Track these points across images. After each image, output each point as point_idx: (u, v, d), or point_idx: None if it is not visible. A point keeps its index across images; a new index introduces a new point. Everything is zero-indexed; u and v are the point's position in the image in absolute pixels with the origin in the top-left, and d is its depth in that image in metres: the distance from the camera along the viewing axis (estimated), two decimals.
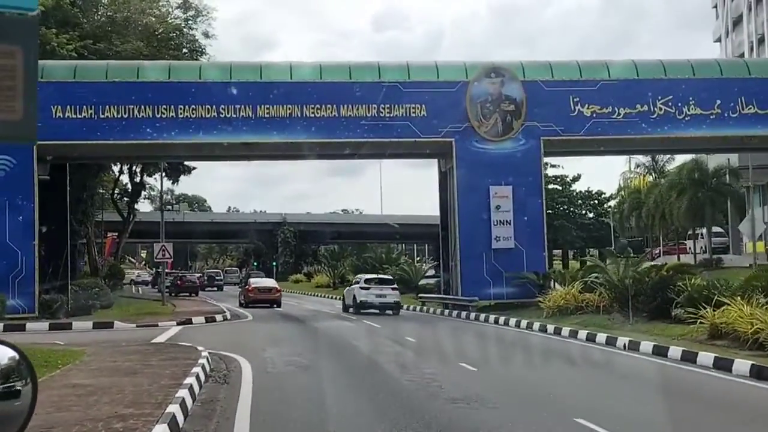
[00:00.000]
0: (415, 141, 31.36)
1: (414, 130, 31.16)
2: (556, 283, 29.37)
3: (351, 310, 32.76)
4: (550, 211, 60.31)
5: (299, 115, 30.92)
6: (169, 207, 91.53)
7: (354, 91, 31.26)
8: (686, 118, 31.58)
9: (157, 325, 24.90)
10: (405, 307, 36.30)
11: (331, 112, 31.02)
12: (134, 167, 55.91)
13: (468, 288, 30.90)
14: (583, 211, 75.67)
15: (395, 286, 34.37)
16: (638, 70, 32.48)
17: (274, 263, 78.16)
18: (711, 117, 31.54)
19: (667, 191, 53.38)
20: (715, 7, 68.19)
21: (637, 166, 71.43)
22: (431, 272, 47.81)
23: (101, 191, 63.95)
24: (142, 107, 30.18)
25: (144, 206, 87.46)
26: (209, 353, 14.78)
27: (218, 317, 27.77)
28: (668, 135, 31.66)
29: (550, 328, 22.17)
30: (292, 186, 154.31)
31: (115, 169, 58.17)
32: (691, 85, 31.82)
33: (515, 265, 30.86)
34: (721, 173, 51.58)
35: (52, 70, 28.93)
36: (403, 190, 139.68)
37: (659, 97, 31.60)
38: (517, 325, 24.39)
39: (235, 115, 30.73)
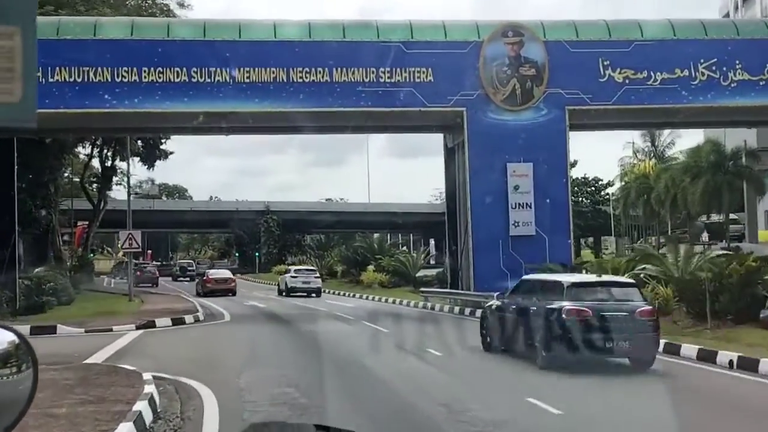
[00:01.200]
0: (420, 111, 26.50)
1: (419, 97, 26.32)
2: None
3: (284, 293, 39.26)
4: None
5: (285, 80, 26.00)
6: (146, 194, 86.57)
7: (349, 52, 26.36)
8: (732, 85, 26.93)
9: (111, 330, 19.99)
10: (405, 303, 31.55)
11: (323, 77, 26.10)
12: (105, 150, 51.19)
13: (482, 282, 26.13)
14: (580, 199, 70.94)
15: (318, 275, 41.88)
16: (675, 30, 27.77)
17: (257, 253, 73.30)
18: (761, 83, 26.92)
19: (681, 175, 49.04)
20: None
21: (636, 151, 67.25)
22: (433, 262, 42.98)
23: (69, 176, 59.05)
24: (99, 70, 25.15)
25: (121, 194, 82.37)
26: (161, 380, 9.99)
27: (188, 318, 22.82)
28: (712, 104, 26.95)
29: None
30: (275, 177, 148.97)
31: (84, 152, 53.48)
32: (738, 47, 27.17)
33: (536, 254, 26.11)
34: (739, 155, 47.24)
35: None
36: (390, 179, 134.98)
37: (701, 61, 26.93)
38: None
39: (209, 80, 25.75)
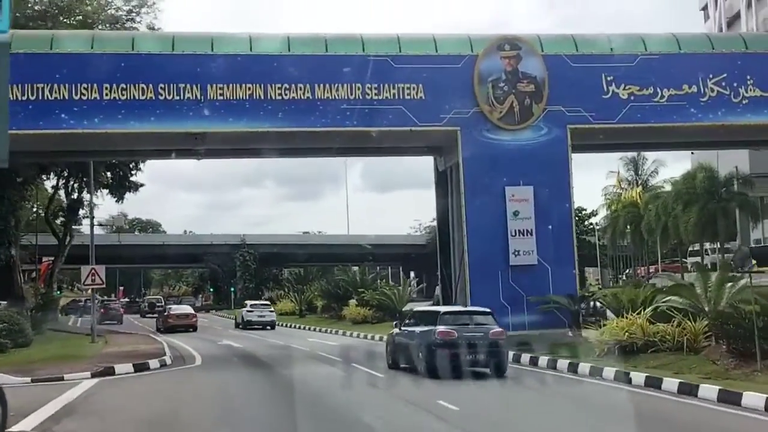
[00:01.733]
0: (410, 130, 24.09)
1: (409, 116, 23.93)
2: (606, 310, 22.03)
3: (240, 327, 43.27)
4: None
5: (262, 97, 23.51)
6: (116, 227, 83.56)
7: (332, 67, 23.96)
8: (744, 102, 24.85)
9: (62, 378, 17.19)
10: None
11: (304, 94, 23.65)
12: (71, 181, 48.37)
13: None
14: None
15: (272, 309, 46.29)
16: (680, 44, 25.72)
17: (233, 288, 70.31)
18: None
19: (672, 202, 47.11)
20: (705, 8, 62.36)
21: (620, 180, 65.42)
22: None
23: (35, 209, 56.21)
24: (55, 87, 22.54)
25: (88, 228, 79.19)
26: None
27: (153, 363, 19.95)
28: (723, 122, 24.77)
29: (636, 376, 15.03)
30: (251, 211, 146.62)
31: (50, 183, 50.63)
32: (748, 61, 25.14)
33: (539, 285, 23.77)
34: (732, 181, 45.44)
35: None
36: (368, 213, 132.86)
37: (710, 76, 24.84)
38: (572, 369, 17.12)
39: (178, 97, 23.20)
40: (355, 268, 66.14)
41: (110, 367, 18.65)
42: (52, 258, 53.46)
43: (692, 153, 57.38)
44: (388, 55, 24.13)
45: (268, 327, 41.92)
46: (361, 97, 23.81)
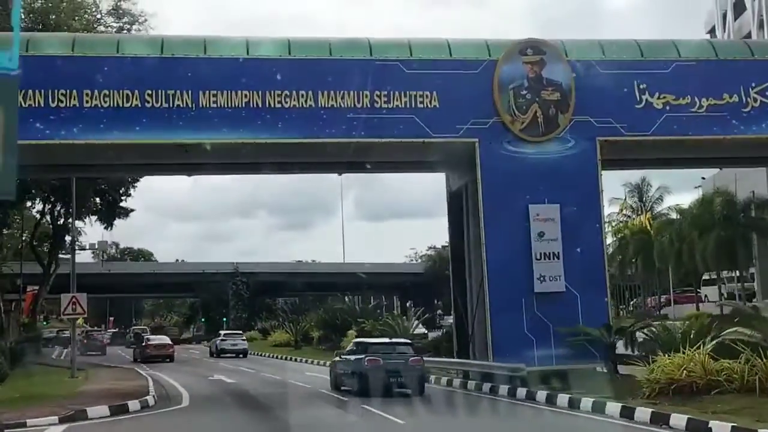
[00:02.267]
0: (423, 142, 21.59)
1: (422, 126, 21.45)
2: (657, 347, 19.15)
3: (215, 354, 45.65)
4: None
5: (259, 105, 21.01)
6: (107, 255, 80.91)
7: (338, 72, 21.50)
8: None
9: (24, 425, 14.43)
10: None
11: (306, 101, 21.16)
12: (57, 207, 45.78)
13: (502, 349, 20.96)
14: None
15: (244, 338, 48.72)
16: (717, 51, 23.43)
17: (225, 319, 67.40)
18: None
19: (688, 228, 44.63)
20: (712, 31, 60.21)
21: (623, 207, 63.08)
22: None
23: (23, 236, 53.68)
24: (30, 93, 19.92)
25: (83, 257, 76.61)
26: None
27: (133, 404, 17.11)
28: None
29: (715, 426, 12.33)
30: (243, 242, 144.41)
31: (36, 209, 48.02)
32: None
33: (567, 315, 21.14)
34: (750, 206, 43.00)
35: None
36: (361, 242, 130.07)
37: (752, 85, 22.46)
38: (628, 415, 14.37)
39: (167, 105, 20.69)
40: (352, 297, 63.53)
41: (82, 410, 15.83)
42: (37, 287, 50.71)
43: (703, 179, 55.32)
44: (398, 60, 21.71)
45: (241, 355, 44.69)
46: (369, 106, 21.34)
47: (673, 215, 52.79)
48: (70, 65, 20.52)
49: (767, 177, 43.74)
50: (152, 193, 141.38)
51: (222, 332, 50.82)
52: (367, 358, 19.85)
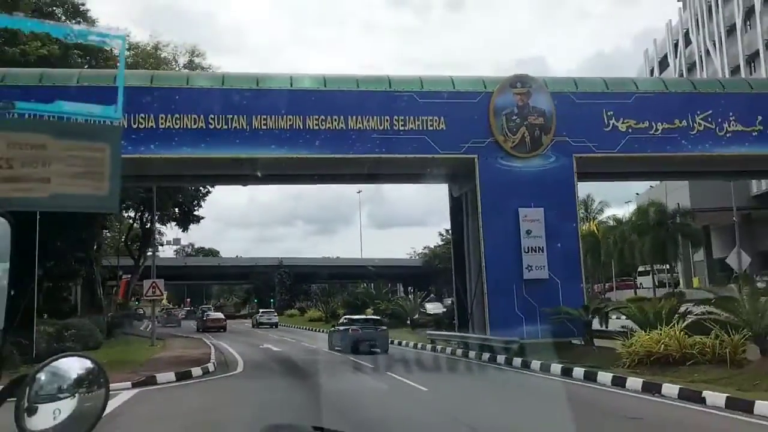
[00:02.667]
0: (433, 157, 19.54)
1: (431, 144, 19.40)
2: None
3: (255, 325, 45.13)
4: None
5: (301, 127, 19.00)
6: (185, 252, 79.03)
7: (363, 101, 19.50)
8: (727, 135, 20.36)
9: None
10: (412, 345, 23.97)
11: (338, 124, 19.15)
12: (145, 215, 44.08)
13: (497, 325, 18.83)
14: None
15: (276, 314, 48.07)
16: (667, 86, 21.37)
17: (272, 300, 65.25)
18: (753, 134, 20.41)
19: (629, 232, 42.47)
20: (665, 58, 57.20)
21: None
22: (437, 307, 35.14)
23: (116, 236, 52.00)
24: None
25: (167, 253, 75.22)
26: None
27: (196, 370, 15.06)
28: (710, 153, 20.23)
29: (670, 390, 10.20)
30: (285, 244, 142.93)
31: (129, 215, 46.36)
32: (730, 100, 20.67)
33: (550, 298, 18.96)
34: (678, 214, 40.82)
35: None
36: (372, 244, 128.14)
37: (698, 112, 20.36)
38: (619, 383, 12.20)
39: (226, 126, 18.71)
40: (368, 284, 61.41)
41: (152, 376, 13.76)
42: (130, 275, 48.94)
43: (637, 194, 53.12)
44: (413, 91, 19.69)
45: (274, 326, 44.50)
46: (389, 128, 19.31)
47: (611, 223, 50.66)
48: (147, 95, 18.54)
49: (689, 193, 41.74)
50: (219, 207, 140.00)
51: (261, 310, 51.49)
52: (351, 329, 21.53)
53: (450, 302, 29.88)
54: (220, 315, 45.00)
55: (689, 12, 46.75)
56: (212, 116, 18.62)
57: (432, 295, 61.34)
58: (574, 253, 19.62)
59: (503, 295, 18.98)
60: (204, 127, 18.57)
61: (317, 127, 19.03)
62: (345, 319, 24.23)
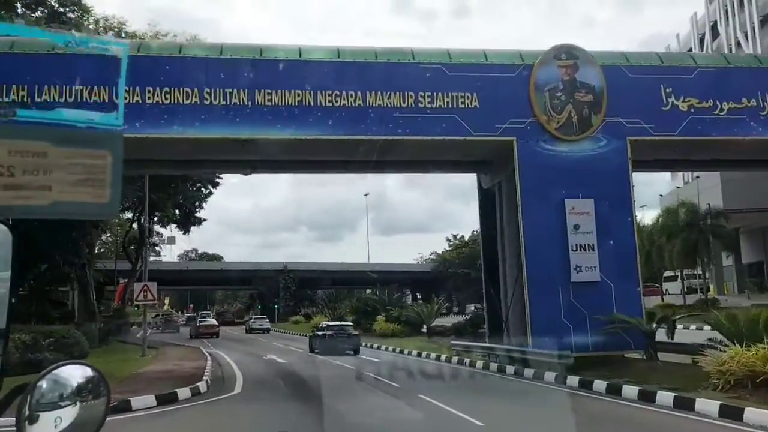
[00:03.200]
0: (465, 140, 16.60)
1: (463, 125, 16.49)
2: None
3: (248, 331, 45.05)
4: None
5: (311, 104, 16.11)
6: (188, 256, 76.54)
7: (384, 74, 16.62)
8: None
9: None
10: (434, 357, 20.99)
11: (355, 101, 16.26)
12: (143, 215, 41.37)
13: (540, 336, 15.86)
14: None
15: (267, 320, 48.42)
16: (729, 61, 18.47)
17: (276, 306, 62.26)
18: None
19: (658, 234, 39.40)
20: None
21: None
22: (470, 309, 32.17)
23: (111, 237, 49.44)
24: (95, 89, 15.13)
25: (169, 257, 72.69)
26: None
27: (183, 392, 12.09)
28: None
29: None
30: (290, 250, 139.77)
31: (124, 218, 43.67)
32: None
33: (602, 304, 16.00)
34: (711, 215, 37.76)
35: None
36: (377, 251, 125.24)
37: None
38: (733, 416, 9.22)
39: (224, 102, 15.83)
40: (368, 291, 58.60)
41: (125, 400, 10.77)
42: (127, 279, 46.14)
43: (661, 195, 50.11)
44: (441, 63, 16.80)
45: (265, 332, 44.41)
46: (413, 105, 16.41)
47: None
48: (132, 64, 15.61)
49: (722, 194, 38.73)
50: (223, 212, 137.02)
51: (253, 317, 51.94)
52: (327, 334, 23.72)
53: (473, 309, 26.84)
54: (213, 322, 44.63)
55: (717, 3, 43.91)
56: (208, 90, 15.76)
57: (442, 300, 58.52)
58: (629, 251, 16.64)
59: (547, 301, 16.03)
60: (198, 102, 15.71)
61: (330, 104, 16.14)
62: (323, 324, 26.51)
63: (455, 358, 19.69)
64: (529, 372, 15.28)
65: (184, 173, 25.83)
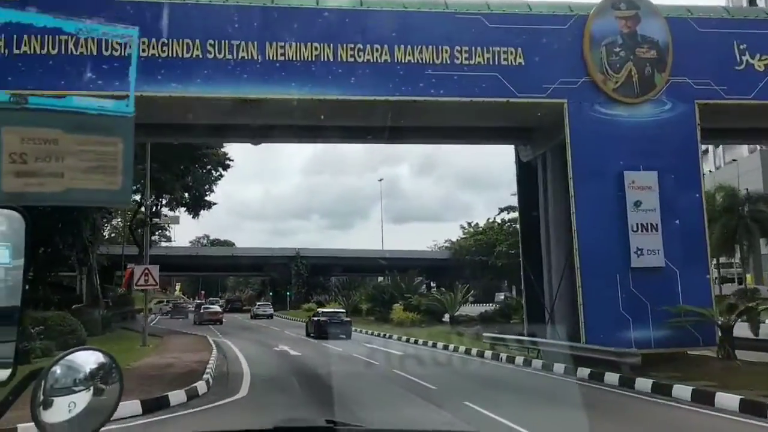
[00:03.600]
0: (508, 102, 14.19)
1: (506, 85, 14.09)
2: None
3: (253, 317, 45.71)
4: None
5: (330, 59, 13.77)
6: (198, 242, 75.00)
7: (415, 25, 14.22)
8: None
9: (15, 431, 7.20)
10: (463, 350, 18.70)
11: (381, 56, 13.89)
12: (151, 198, 39.58)
13: (594, 329, 13.56)
14: None
15: (271, 306, 50.63)
16: None
17: (288, 293, 60.33)
18: None
19: None
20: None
21: None
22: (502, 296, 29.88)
23: (119, 221, 47.79)
24: (81, 41, 12.92)
25: (180, 242, 71.32)
26: None
27: (176, 395, 9.86)
28: None
29: None
30: (300, 237, 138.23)
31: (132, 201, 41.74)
32: None
33: (666, 294, 13.64)
34: (751, 200, 35.15)
35: None
36: (388, 239, 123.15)
37: None
38: None
39: (230, 56, 13.52)
40: (380, 279, 56.56)
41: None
42: (134, 265, 44.16)
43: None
44: (480, 13, 14.37)
45: (269, 317, 45.40)
46: (448, 62, 14.03)
47: None
48: (123, 11, 13.37)
49: (762, 177, 36.13)
50: (235, 199, 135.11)
51: (257, 303, 54.30)
52: (321, 320, 25.07)
53: (503, 297, 24.52)
54: (217, 309, 44.67)
55: None
56: (211, 42, 13.46)
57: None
58: (697, 232, 14.23)
59: (603, 289, 13.69)
60: (200, 56, 13.41)
61: (353, 59, 13.79)
62: (319, 311, 28.33)
63: (488, 352, 17.37)
64: (582, 371, 12.96)
65: (183, 140, 23.28)
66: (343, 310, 28.63)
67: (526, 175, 17.24)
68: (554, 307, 15.37)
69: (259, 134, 16.04)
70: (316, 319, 25.65)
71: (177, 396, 9.77)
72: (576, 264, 13.86)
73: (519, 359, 15.63)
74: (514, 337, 16.85)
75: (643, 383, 11.11)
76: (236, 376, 13.09)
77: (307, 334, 25.66)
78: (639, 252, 13.86)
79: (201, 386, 10.86)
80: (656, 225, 13.95)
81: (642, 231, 13.92)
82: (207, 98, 13.55)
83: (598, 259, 13.82)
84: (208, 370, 12.81)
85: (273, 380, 12.49)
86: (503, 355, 16.46)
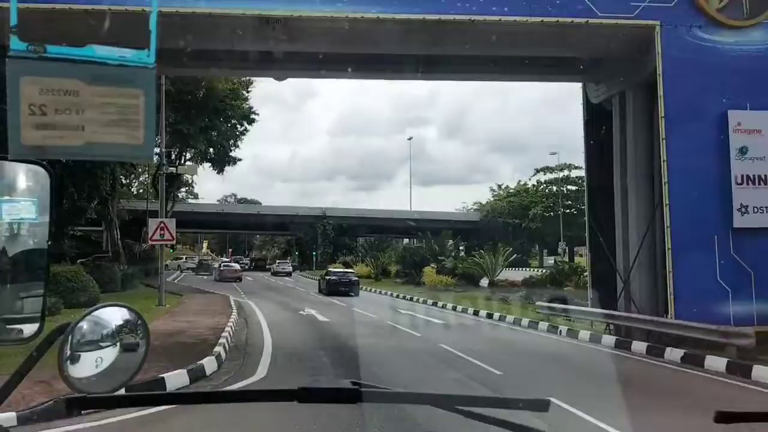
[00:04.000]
0: (587, 23, 11.43)
1: (587, 3, 11.34)
2: None
3: (273, 274, 49.82)
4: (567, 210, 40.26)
5: None
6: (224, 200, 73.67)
7: None
8: None
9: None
10: (512, 320, 16.36)
11: None
12: (175, 150, 37.94)
13: (685, 302, 11.07)
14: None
15: (290, 264, 54.17)
16: None
17: (314, 253, 58.68)
18: None
19: None
20: None
21: None
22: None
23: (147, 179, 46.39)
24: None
25: (208, 199, 70.23)
26: None
27: (175, 377, 7.74)
28: None
29: None
30: (327, 198, 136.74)
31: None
32: None
33: None
34: None
35: None
36: (420, 201, 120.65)
37: None
38: None
39: None
40: (405, 242, 54.51)
41: (73, 398, 6.44)
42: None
43: None
44: None
45: (288, 275, 47.67)
46: None
47: None
48: None
49: None
50: (262, 160, 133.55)
51: (278, 261, 56.99)
52: (332, 279, 27.16)
53: (552, 262, 22.03)
54: (236, 267, 44.98)
55: None
56: None
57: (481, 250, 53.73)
58: None
59: (697, 254, 11.16)
60: None
61: None
62: (330, 269, 30.82)
63: (542, 324, 15.00)
64: (671, 353, 10.52)
65: (199, 71, 20.43)
66: (352, 271, 31.45)
67: (596, 118, 14.51)
68: (630, 275, 12.86)
69: (280, 67, 13.49)
70: (327, 278, 27.58)
71: (176, 378, 7.61)
72: (666, 223, 11.28)
73: (584, 333, 13.23)
74: (580, 308, 14.38)
75: (761, 372, 8.65)
76: (255, 348, 10.95)
77: (319, 291, 27.72)
78: (743, 209, 11.22)
79: (209, 363, 8.70)
80: (766, 177, 11.27)
81: (748, 184, 11.25)
82: (222, 14, 11.06)
83: (692, 218, 11.24)
84: (222, 341, 10.67)
85: (299, 356, 10.33)
86: (562, 328, 14.09)
